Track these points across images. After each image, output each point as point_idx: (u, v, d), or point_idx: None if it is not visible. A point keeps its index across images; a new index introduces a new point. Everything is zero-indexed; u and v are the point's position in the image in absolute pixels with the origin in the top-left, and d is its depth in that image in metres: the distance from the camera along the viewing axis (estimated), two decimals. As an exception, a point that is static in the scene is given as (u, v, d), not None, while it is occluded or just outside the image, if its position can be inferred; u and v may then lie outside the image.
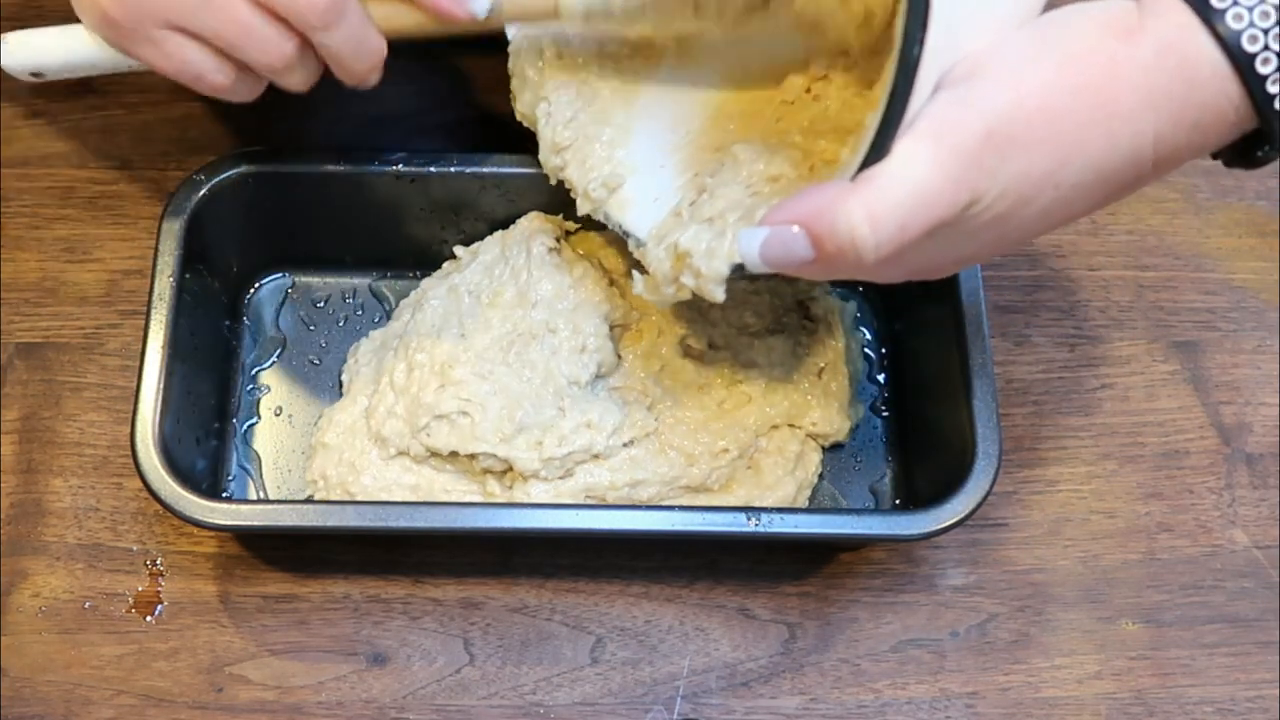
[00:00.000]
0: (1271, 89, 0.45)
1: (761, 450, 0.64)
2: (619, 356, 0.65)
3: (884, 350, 0.69)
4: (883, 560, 0.65)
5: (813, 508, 0.65)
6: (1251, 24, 0.44)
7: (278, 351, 0.68)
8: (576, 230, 0.67)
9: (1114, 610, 0.64)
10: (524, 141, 0.62)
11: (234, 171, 0.63)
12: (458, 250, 0.67)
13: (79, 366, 0.67)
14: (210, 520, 0.56)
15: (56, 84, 0.72)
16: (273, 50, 0.52)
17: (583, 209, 0.59)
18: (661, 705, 0.61)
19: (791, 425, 0.65)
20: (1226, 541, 0.66)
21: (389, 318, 0.68)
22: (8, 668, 0.61)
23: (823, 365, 0.66)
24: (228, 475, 0.64)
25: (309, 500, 0.63)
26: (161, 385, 0.58)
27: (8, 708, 0.60)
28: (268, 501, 0.64)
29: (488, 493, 0.62)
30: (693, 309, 0.66)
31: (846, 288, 0.70)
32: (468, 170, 0.64)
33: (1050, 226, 0.49)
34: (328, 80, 0.56)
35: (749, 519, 0.57)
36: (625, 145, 0.59)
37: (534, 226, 0.66)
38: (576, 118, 0.59)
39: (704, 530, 0.57)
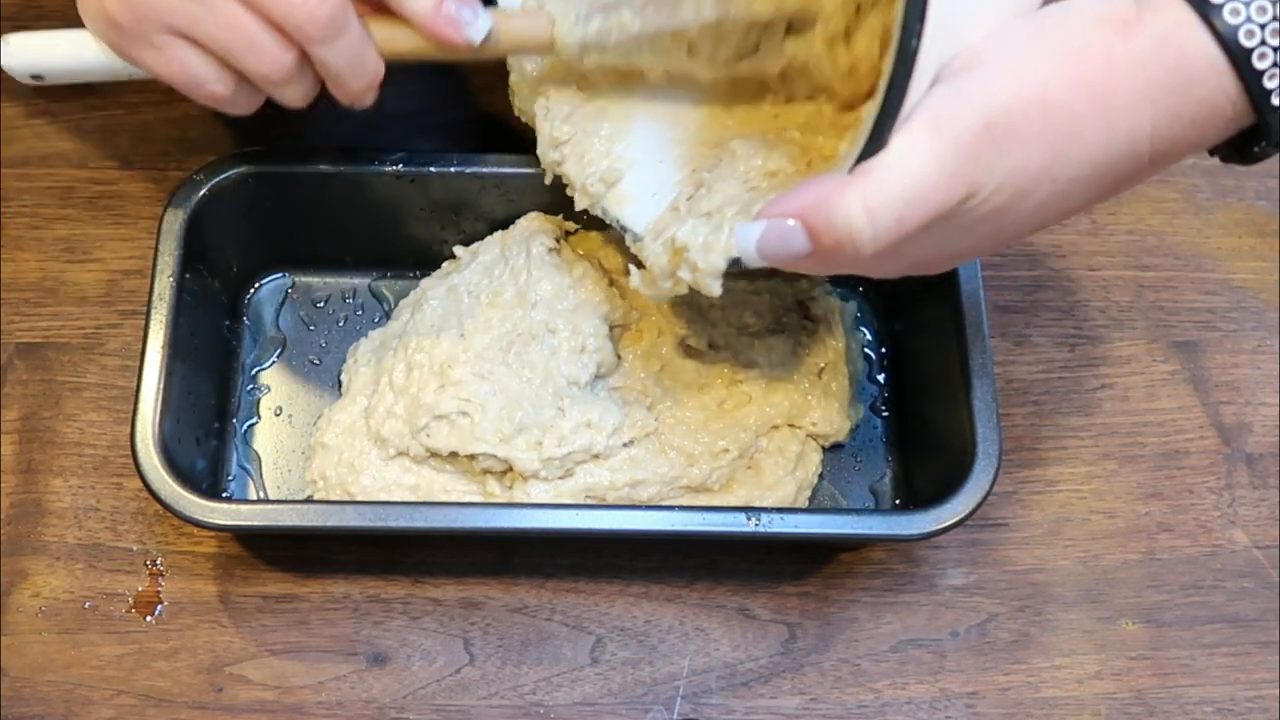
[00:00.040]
0: (1268, 84, 0.45)
1: (762, 450, 0.64)
2: (619, 357, 0.65)
3: (884, 350, 0.69)
4: (883, 560, 0.65)
5: (813, 508, 0.65)
6: (1248, 19, 0.44)
7: (278, 351, 0.68)
8: (576, 230, 0.67)
9: (1114, 610, 0.64)
10: (524, 142, 0.62)
11: (234, 171, 0.63)
12: (457, 250, 0.67)
13: (79, 366, 0.67)
14: (210, 520, 0.56)
15: (56, 85, 0.72)
16: (271, 61, 0.52)
17: (580, 204, 0.59)
18: (661, 705, 0.61)
19: (792, 425, 0.65)
20: (1226, 541, 0.66)
21: (389, 318, 0.68)
22: (8, 668, 0.61)
23: (823, 365, 0.66)
24: (228, 475, 0.64)
25: (309, 500, 0.63)
26: (161, 385, 0.58)
27: (8, 708, 0.60)
28: (268, 501, 0.64)
29: (488, 493, 0.62)
30: (693, 309, 0.66)
31: (847, 287, 0.70)
32: (468, 170, 0.64)
33: (1047, 221, 0.49)
34: (328, 80, 0.56)
35: (749, 519, 0.57)
36: (623, 140, 0.59)
37: (534, 227, 0.66)
38: (574, 113, 0.59)
39: (704, 530, 0.57)
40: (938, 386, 0.63)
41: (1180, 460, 0.68)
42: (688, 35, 0.55)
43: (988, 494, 0.57)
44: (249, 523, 0.57)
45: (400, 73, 0.56)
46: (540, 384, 0.62)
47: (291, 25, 0.51)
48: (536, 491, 0.61)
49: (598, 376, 0.64)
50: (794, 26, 0.54)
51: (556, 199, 0.65)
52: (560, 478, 0.62)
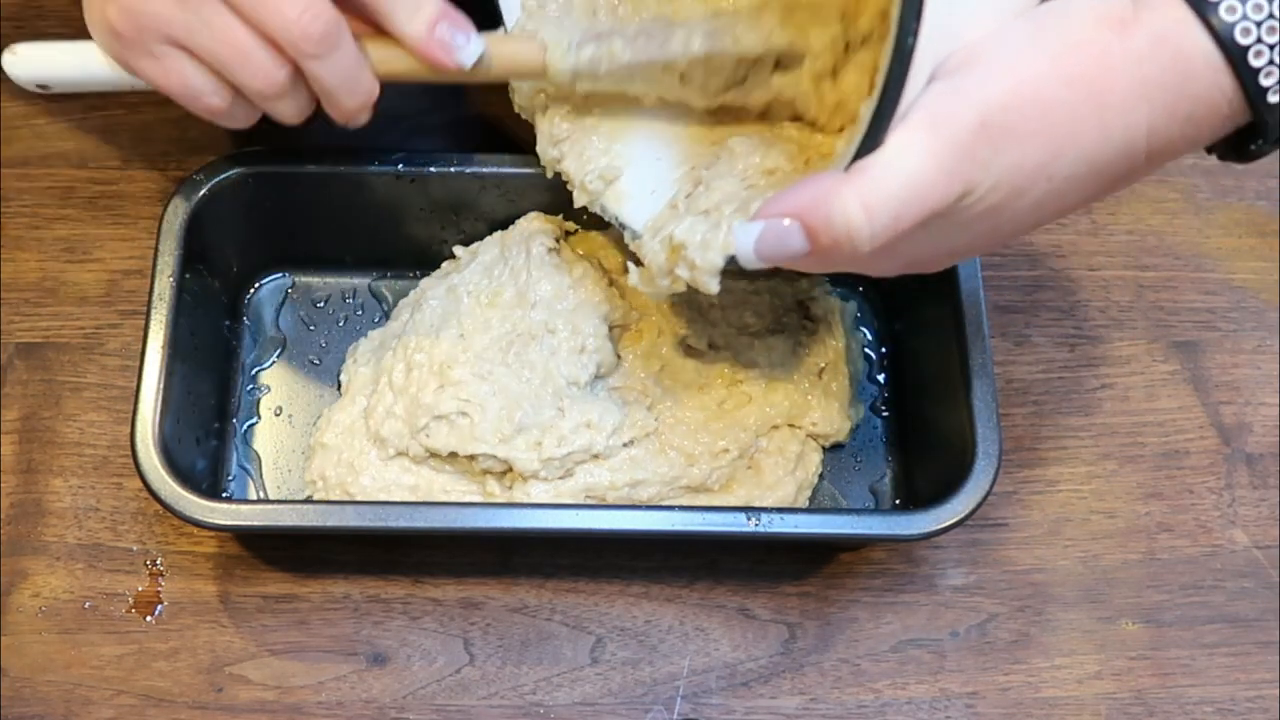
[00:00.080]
0: (1264, 82, 0.45)
1: (762, 450, 0.64)
2: (619, 357, 0.65)
3: (884, 350, 0.69)
4: (883, 560, 0.65)
5: (813, 508, 0.65)
6: (1244, 17, 0.45)
7: (278, 351, 0.68)
8: (576, 230, 0.67)
9: (1114, 610, 0.64)
10: (524, 142, 0.62)
11: (234, 171, 0.63)
12: (457, 250, 0.67)
13: (79, 366, 0.67)
14: (210, 520, 0.56)
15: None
16: (264, 76, 0.52)
17: (579, 201, 0.59)
18: (661, 705, 0.61)
19: (792, 425, 0.65)
20: (1226, 541, 0.66)
21: (388, 318, 0.68)
22: (8, 668, 0.61)
23: (823, 365, 0.66)
24: (228, 475, 0.64)
25: (309, 500, 0.63)
26: (161, 385, 0.58)
27: (8, 708, 0.60)
28: (268, 501, 0.64)
29: (487, 493, 0.62)
30: (693, 308, 0.66)
31: (847, 287, 0.70)
32: (468, 170, 0.64)
33: (1044, 219, 0.49)
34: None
35: (749, 519, 0.57)
36: (622, 138, 0.59)
37: (533, 227, 0.66)
38: (574, 110, 0.59)
39: (704, 530, 0.57)
40: (938, 386, 0.63)
41: (1180, 460, 0.68)
42: (678, 66, 0.55)
43: (988, 494, 0.57)
44: (249, 523, 0.57)
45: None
46: (540, 384, 0.62)
47: (285, 40, 0.51)
48: (536, 492, 0.61)
49: (597, 376, 0.64)
50: (781, 62, 0.55)
51: (556, 199, 0.65)
52: (560, 478, 0.62)
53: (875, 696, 0.62)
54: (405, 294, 0.67)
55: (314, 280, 0.69)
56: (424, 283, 0.67)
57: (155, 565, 0.63)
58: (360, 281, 0.69)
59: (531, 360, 0.62)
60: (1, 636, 0.61)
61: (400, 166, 0.64)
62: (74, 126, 0.72)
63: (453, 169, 0.64)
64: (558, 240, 0.66)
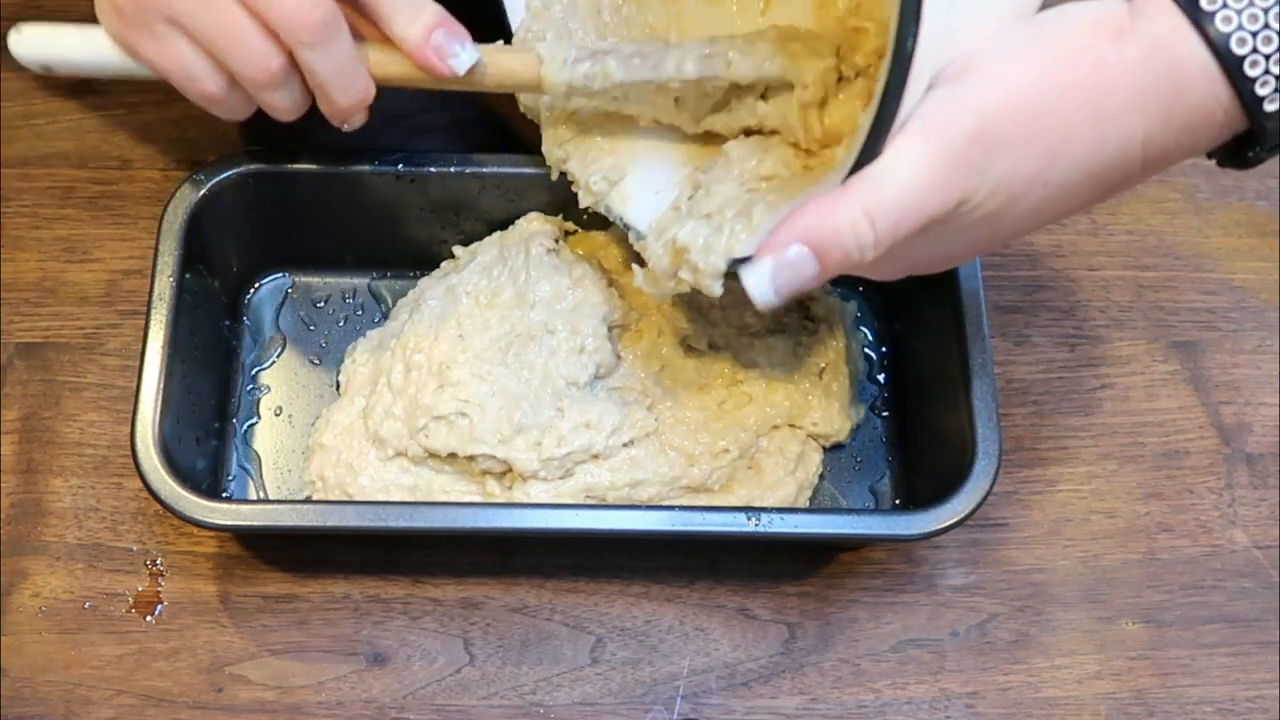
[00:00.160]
0: (1260, 91, 0.45)
1: (762, 450, 0.64)
2: (618, 357, 0.65)
3: (884, 350, 0.69)
4: (883, 560, 0.65)
5: (813, 508, 0.65)
6: (1240, 27, 0.45)
7: (278, 351, 0.68)
8: (576, 231, 0.67)
9: (1114, 610, 0.64)
10: (524, 142, 0.62)
11: (234, 171, 0.63)
12: (456, 250, 0.67)
13: (79, 366, 0.67)
14: (210, 520, 0.56)
15: (57, 84, 0.73)
16: (259, 62, 0.53)
17: (584, 202, 0.60)
18: (661, 705, 0.61)
19: (792, 425, 0.65)
20: (1226, 541, 0.66)
21: (388, 318, 0.68)
22: (8, 668, 0.61)
23: (823, 365, 0.66)
24: (228, 475, 0.64)
25: (309, 500, 0.63)
26: (161, 385, 0.58)
27: (8, 708, 0.60)
28: (268, 501, 0.64)
29: (487, 493, 0.62)
30: (693, 308, 0.66)
31: (847, 287, 0.70)
32: (468, 170, 0.64)
33: (1041, 223, 0.50)
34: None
35: (749, 519, 0.57)
36: (626, 139, 0.59)
37: (533, 227, 0.66)
38: (579, 110, 0.59)
39: (704, 530, 0.57)
40: (938, 386, 0.63)
41: (1180, 460, 0.68)
42: (672, 89, 0.55)
43: (988, 494, 0.57)
44: (249, 523, 0.57)
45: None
46: (539, 384, 0.62)
47: (283, 27, 0.52)
48: (536, 492, 0.61)
49: (597, 377, 0.64)
50: (769, 91, 0.55)
51: (556, 199, 0.65)
52: (560, 478, 0.62)
53: (875, 696, 0.62)
54: (405, 294, 0.67)
55: (314, 280, 0.69)
56: (423, 283, 0.67)
57: (155, 565, 0.63)
58: (360, 281, 0.69)
59: (531, 360, 0.62)
60: (1, 636, 0.61)
61: (400, 166, 0.64)
62: (74, 126, 0.72)
63: (453, 169, 0.64)
64: (557, 241, 0.66)
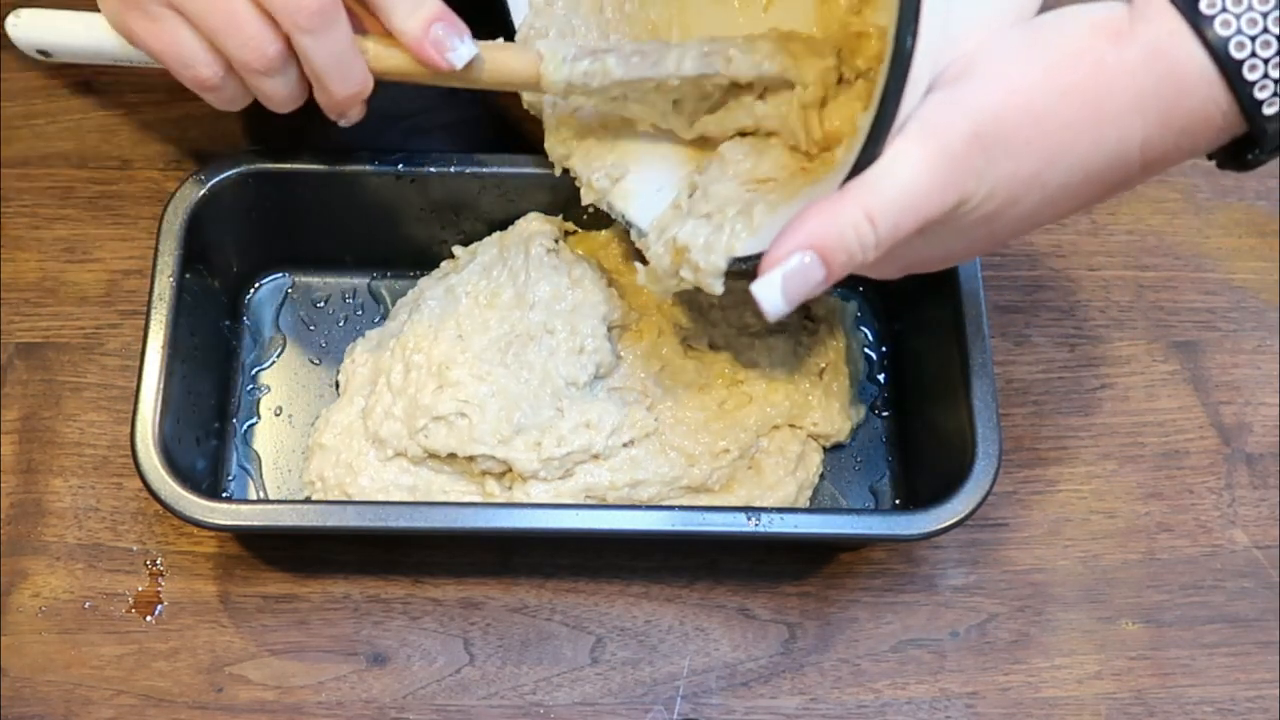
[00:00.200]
0: (1258, 95, 0.45)
1: (762, 450, 0.64)
2: (618, 357, 0.65)
3: (884, 350, 0.69)
4: (883, 560, 0.65)
5: (813, 508, 0.65)
6: (1239, 31, 0.45)
7: (278, 351, 0.68)
8: (575, 231, 0.67)
9: (1114, 610, 0.64)
10: (524, 142, 0.62)
11: (234, 171, 0.63)
12: (456, 250, 0.67)
13: (79, 366, 0.67)
14: (210, 520, 0.56)
15: (57, 84, 0.73)
16: (256, 47, 0.52)
17: (586, 198, 0.60)
18: (661, 705, 0.61)
19: (792, 425, 0.65)
20: (1226, 541, 0.66)
21: (388, 318, 0.68)
22: (8, 668, 0.61)
23: (824, 365, 0.66)
24: (228, 475, 0.64)
25: (309, 500, 0.63)
26: (161, 385, 0.58)
27: (8, 708, 0.60)
28: (268, 501, 0.64)
29: (487, 493, 0.62)
30: (693, 308, 0.66)
31: (847, 287, 0.70)
32: (468, 170, 0.64)
33: (1039, 224, 0.50)
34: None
35: (749, 519, 0.57)
36: (628, 135, 0.59)
37: (532, 228, 0.65)
38: (582, 108, 0.59)
39: (704, 530, 0.57)
40: (938, 386, 0.63)
41: (1180, 460, 0.68)
42: (671, 89, 0.55)
43: (988, 494, 0.57)
44: (249, 523, 0.57)
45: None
46: (539, 385, 0.62)
47: (280, 11, 0.52)
48: (536, 492, 0.61)
49: (597, 377, 0.64)
50: (767, 91, 0.55)
51: (556, 199, 0.65)
52: (560, 478, 0.62)
53: (875, 696, 0.62)
54: (404, 294, 0.67)
55: (314, 280, 0.69)
56: (422, 283, 0.67)
57: (155, 565, 0.63)
58: (360, 281, 0.69)
59: (530, 361, 0.62)
60: (1, 636, 0.61)
61: (400, 166, 0.64)
62: (74, 126, 0.72)
63: (452, 169, 0.64)
64: (557, 241, 0.66)
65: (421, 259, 0.68)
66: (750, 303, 0.65)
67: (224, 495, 0.64)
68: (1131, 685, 0.63)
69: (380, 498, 0.62)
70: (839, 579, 0.64)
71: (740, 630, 0.63)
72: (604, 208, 0.60)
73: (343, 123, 0.57)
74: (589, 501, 0.62)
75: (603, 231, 0.67)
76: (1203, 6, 0.45)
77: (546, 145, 0.60)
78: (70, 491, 0.64)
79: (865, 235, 0.45)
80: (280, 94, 0.55)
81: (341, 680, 0.61)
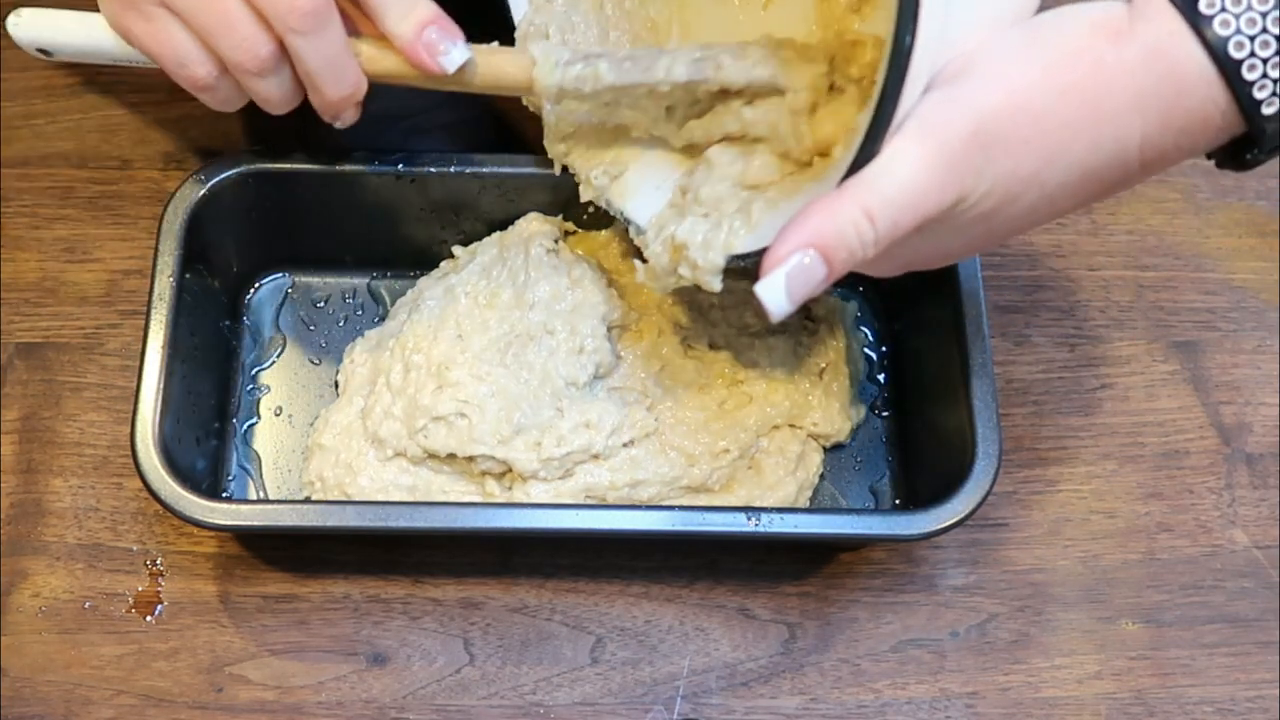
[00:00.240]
0: (1257, 94, 0.45)
1: (762, 450, 0.64)
2: (618, 357, 0.65)
3: (884, 350, 0.69)
4: (883, 560, 0.65)
5: (813, 508, 0.65)
6: (1238, 31, 0.45)
7: (278, 351, 0.68)
8: (575, 231, 0.67)
9: (1114, 610, 0.64)
10: (524, 142, 0.62)
11: (234, 171, 0.63)
12: (456, 250, 0.67)
13: (79, 366, 0.67)
14: (210, 520, 0.56)
15: (57, 84, 0.73)
16: (249, 48, 0.52)
17: (585, 196, 0.60)
18: (661, 705, 0.61)
19: (792, 425, 0.65)
20: (1226, 541, 0.66)
21: (387, 318, 0.67)
22: (8, 668, 0.61)
23: (824, 365, 0.66)
24: (228, 475, 0.64)
25: (309, 500, 0.63)
26: (161, 385, 0.58)
27: (8, 708, 0.60)
28: (268, 501, 0.64)
29: (487, 493, 0.62)
30: (693, 308, 0.66)
31: (847, 287, 0.70)
32: (467, 170, 0.64)
33: (1038, 223, 0.50)
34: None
35: (749, 519, 0.57)
36: (628, 133, 0.59)
37: (532, 228, 0.65)
38: (581, 106, 0.59)
39: (704, 530, 0.57)
40: (938, 386, 0.63)
41: (1180, 460, 0.68)
42: (663, 94, 0.55)
43: (988, 494, 0.57)
44: (249, 523, 0.57)
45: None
46: (538, 385, 0.62)
47: (273, 12, 0.52)
48: (536, 492, 0.61)
49: (596, 377, 0.64)
50: (756, 97, 0.55)
51: (556, 199, 0.65)
52: (560, 478, 0.62)
53: (875, 696, 0.62)
54: (404, 294, 0.67)
55: (314, 280, 0.69)
56: (421, 282, 0.67)
57: (155, 565, 0.63)
58: (360, 281, 0.69)
59: (530, 361, 0.62)
60: (1, 636, 0.61)
61: (400, 166, 0.64)
62: (74, 126, 0.72)
63: (453, 169, 0.64)
64: (557, 241, 0.66)
65: (421, 259, 0.68)
66: (750, 302, 0.66)
67: (224, 495, 0.64)
68: (1131, 685, 0.63)
69: (380, 498, 0.62)
70: (839, 579, 0.64)
71: (740, 630, 0.63)
72: (602, 205, 0.60)
73: (338, 124, 0.57)
74: (589, 501, 0.62)
75: (602, 231, 0.67)
76: (1202, 6, 0.45)
77: (546, 142, 0.60)
78: (70, 491, 0.64)
79: (865, 232, 0.45)
80: (274, 95, 0.55)
81: (341, 680, 0.61)
